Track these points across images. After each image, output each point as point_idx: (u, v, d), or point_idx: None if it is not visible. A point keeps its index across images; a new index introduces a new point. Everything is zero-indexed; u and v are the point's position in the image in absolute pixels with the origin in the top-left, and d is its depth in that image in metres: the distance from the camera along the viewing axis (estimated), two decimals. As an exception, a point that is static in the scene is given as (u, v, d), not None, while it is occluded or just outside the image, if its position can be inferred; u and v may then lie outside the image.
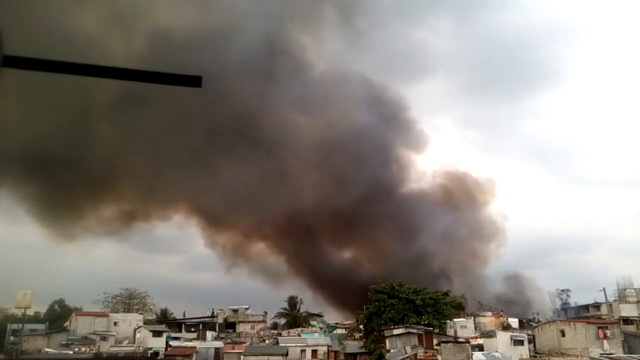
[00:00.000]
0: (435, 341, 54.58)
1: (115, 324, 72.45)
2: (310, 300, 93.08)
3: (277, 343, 63.76)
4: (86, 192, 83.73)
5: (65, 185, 79.63)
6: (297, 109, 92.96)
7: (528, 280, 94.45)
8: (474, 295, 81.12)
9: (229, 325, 79.58)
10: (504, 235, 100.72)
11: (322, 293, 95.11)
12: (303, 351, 60.89)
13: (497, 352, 52.16)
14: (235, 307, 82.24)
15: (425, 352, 51.89)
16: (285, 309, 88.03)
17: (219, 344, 64.14)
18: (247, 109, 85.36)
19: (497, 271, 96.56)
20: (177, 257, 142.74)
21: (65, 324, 75.53)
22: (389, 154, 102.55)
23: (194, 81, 2.43)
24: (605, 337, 55.47)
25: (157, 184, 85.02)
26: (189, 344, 63.53)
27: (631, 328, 63.19)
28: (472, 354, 49.63)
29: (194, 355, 58.28)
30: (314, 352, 61.02)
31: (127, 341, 67.15)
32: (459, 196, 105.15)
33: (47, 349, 61.89)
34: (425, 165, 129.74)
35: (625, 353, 53.66)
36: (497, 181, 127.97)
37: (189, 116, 78.41)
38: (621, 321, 63.44)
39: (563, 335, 57.30)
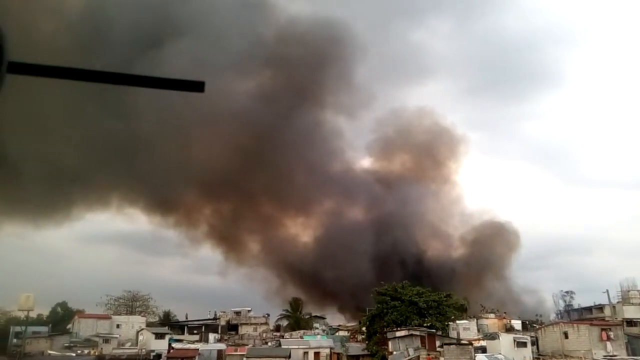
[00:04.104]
0: (438, 343, 54.46)
1: (118, 326, 72.52)
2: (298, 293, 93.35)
3: (280, 345, 63.69)
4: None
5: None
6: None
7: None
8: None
9: (232, 328, 79.60)
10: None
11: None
12: (305, 353, 60.81)
13: (500, 354, 52.02)
14: (238, 309, 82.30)
15: (428, 354, 51.76)
16: (287, 311, 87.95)
17: (221, 346, 64.16)
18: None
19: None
20: (180, 260, 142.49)
21: (68, 327, 75.64)
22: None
23: (196, 86, 2.44)
24: (608, 339, 55.27)
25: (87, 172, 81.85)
26: (192, 346, 63.57)
27: (635, 330, 62.96)
28: (475, 356, 49.52)
29: (197, 358, 58.31)
30: (317, 355, 60.93)
31: (129, 343, 67.18)
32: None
33: (50, 352, 61.97)
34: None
35: (628, 355, 53.48)
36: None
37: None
38: (624, 323, 63.24)
39: (566, 337, 57.11)
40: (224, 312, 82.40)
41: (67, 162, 77.99)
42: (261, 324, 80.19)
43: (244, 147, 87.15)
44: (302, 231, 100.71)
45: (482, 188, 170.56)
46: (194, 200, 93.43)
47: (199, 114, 74.25)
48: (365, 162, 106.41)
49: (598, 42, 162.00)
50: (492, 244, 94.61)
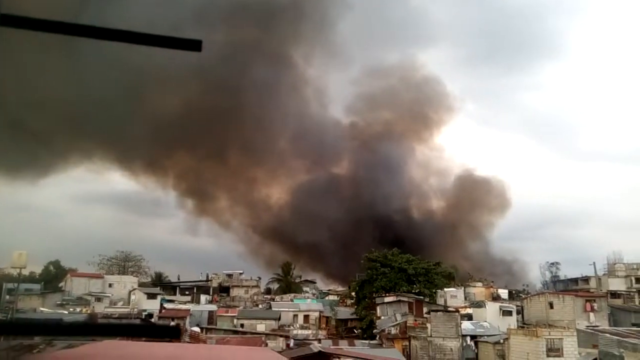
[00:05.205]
0: (425, 310, 55.50)
1: (110, 285, 73.09)
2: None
3: (270, 308, 64.69)
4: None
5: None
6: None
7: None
8: None
9: (223, 290, 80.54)
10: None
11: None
12: (295, 316, 61.84)
13: (485, 321, 53.19)
14: (230, 272, 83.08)
15: (415, 320, 52.80)
16: (278, 274, 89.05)
17: (212, 307, 65.01)
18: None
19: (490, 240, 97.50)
20: (173, 221, 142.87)
21: (60, 285, 76.23)
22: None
23: (194, 45, 2.37)
24: (592, 309, 56.48)
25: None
26: (183, 306, 64.35)
27: (618, 302, 64.42)
28: (460, 323, 50.55)
29: (188, 318, 59.10)
30: (306, 318, 61.98)
31: (121, 303, 67.95)
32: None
33: (42, 309, 62.59)
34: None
35: (610, 325, 54.75)
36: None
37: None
38: (609, 295, 64.60)
39: (551, 307, 58.28)
40: (216, 274, 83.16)
41: (28, 123, 74.87)
42: (252, 286, 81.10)
43: (215, 103, 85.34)
44: (276, 189, 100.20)
45: (475, 157, 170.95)
46: (163, 156, 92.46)
47: (162, 68, 70.32)
48: (346, 119, 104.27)
49: (600, 11, 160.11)
50: (477, 202, 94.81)
